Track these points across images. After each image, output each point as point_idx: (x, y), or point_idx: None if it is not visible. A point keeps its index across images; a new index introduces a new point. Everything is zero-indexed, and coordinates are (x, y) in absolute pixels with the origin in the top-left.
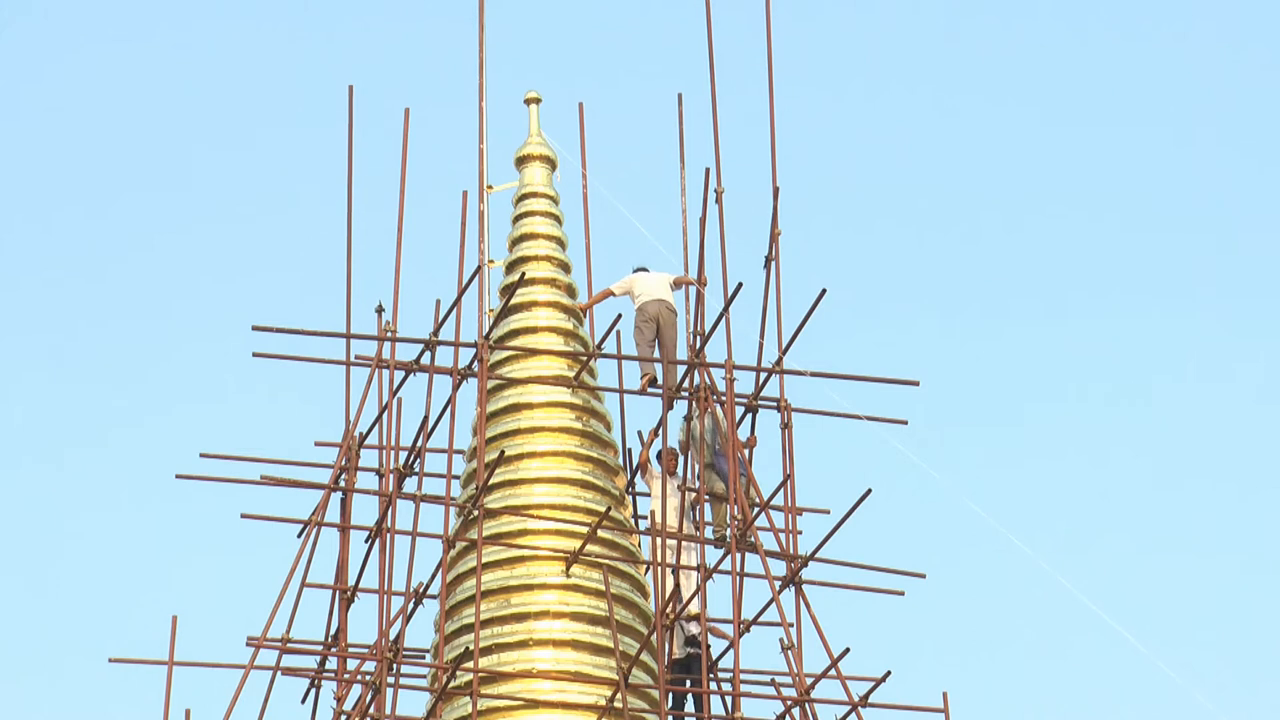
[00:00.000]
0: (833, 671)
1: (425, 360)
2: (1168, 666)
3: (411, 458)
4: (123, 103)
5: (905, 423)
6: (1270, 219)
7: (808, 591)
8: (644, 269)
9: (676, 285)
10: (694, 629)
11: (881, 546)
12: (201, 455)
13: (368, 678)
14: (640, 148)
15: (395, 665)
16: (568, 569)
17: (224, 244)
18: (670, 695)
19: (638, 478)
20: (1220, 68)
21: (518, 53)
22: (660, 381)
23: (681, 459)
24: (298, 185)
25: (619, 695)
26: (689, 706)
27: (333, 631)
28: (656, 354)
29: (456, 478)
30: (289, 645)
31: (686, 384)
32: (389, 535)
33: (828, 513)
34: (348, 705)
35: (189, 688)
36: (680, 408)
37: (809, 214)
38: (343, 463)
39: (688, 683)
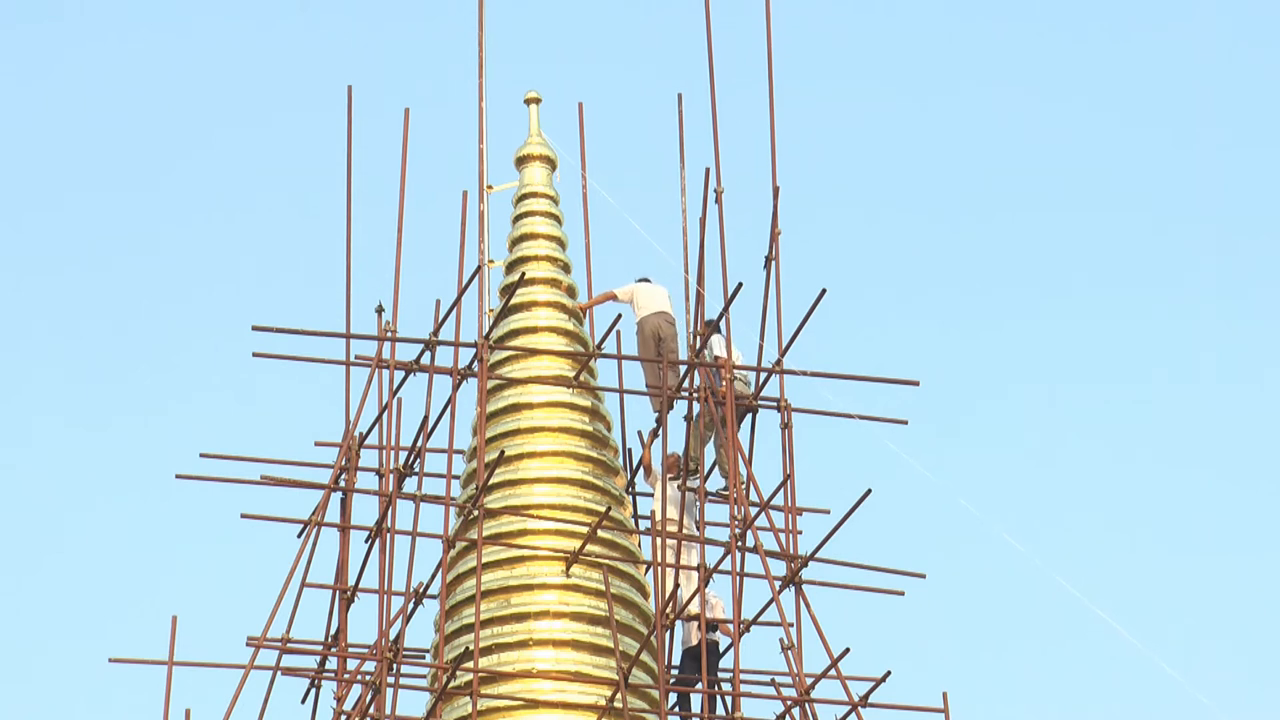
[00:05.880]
0: (833, 671)
1: (425, 360)
2: (1167, 665)
3: (411, 458)
4: (123, 102)
5: (905, 423)
6: (1273, 215)
7: (808, 591)
8: (646, 279)
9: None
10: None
11: (881, 546)
12: (201, 455)
13: (368, 678)
14: (640, 148)
15: (395, 665)
16: (568, 569)
17: (224, 244)
18: (671, 694)
19: (638, 478)
20: (1220, 64)
21: (518, 53)
22: (684, 461)
23: (684, 458)
24: (297, 185)
25: (619, 695)
26: (694, 700)
27: (333, 631)
28: (659, 370)
29: (456, 478)
30: (289, 645)
31: (687, 384)
32: (389, 535)
33: (828, 513)
34: (348, 705)
35: (189, 688)
36: (681, 408)
37: (809, 214)
38: (343, 463)
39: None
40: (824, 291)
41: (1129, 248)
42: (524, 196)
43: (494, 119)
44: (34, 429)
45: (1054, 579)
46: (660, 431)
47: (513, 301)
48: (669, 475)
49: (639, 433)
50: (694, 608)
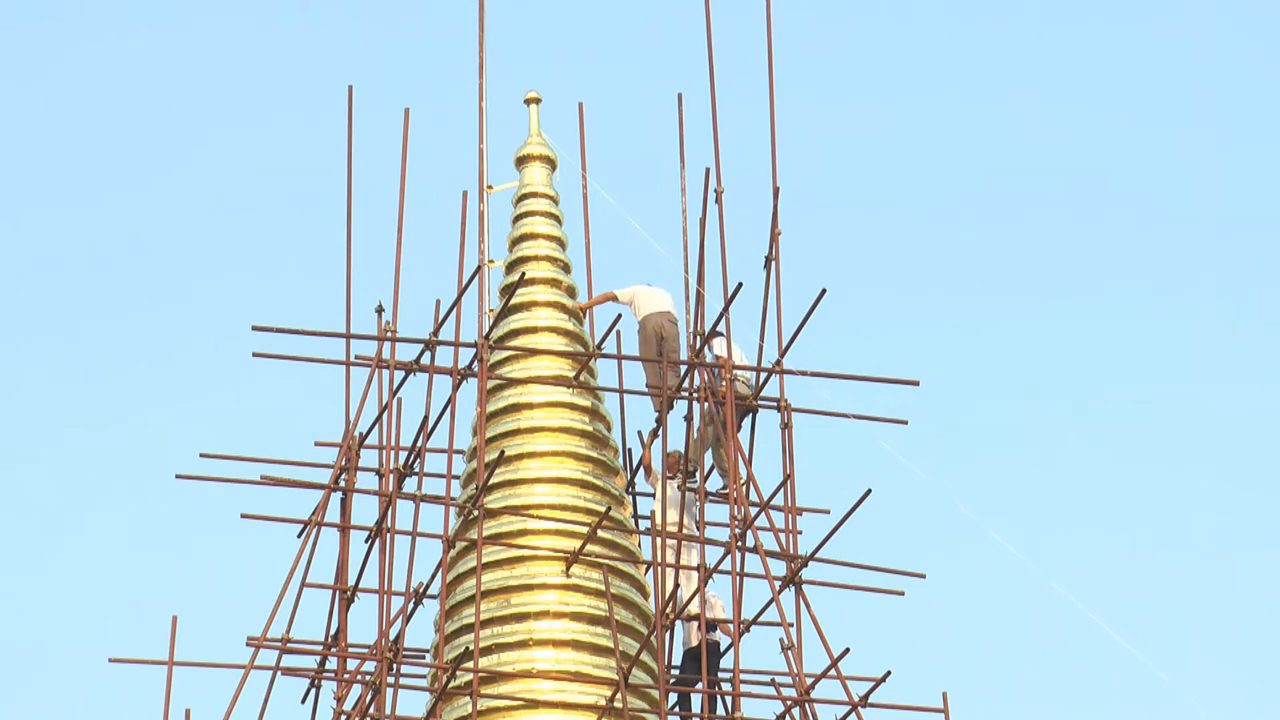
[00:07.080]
0: (833, 671)
1: (425, 360)
2: (1159, 668)
3: (411, 458)
4: (123, 101)
5: (905, 423)
6: (1273, 215)
7: (808, 591)
8: (648, 285)
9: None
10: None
11: (881, 546)
12: (201, 455)
13: (368, 678)
14: (640, 148)
15: (395, 665)
16: (568, 569)
17: (224, 243)
18: (672, 694)
19: (638, 478)
20: (1220, 64)
21: (518, 53)
22: (686, 463)
23: (684, 458)
24: (297, 185)
25: (619, 695)
26: (694, 701)
27: (333, 631)
28: (660, 369)
29: (456, 478)
30: (289, 645)
31: (687, 384)
32: (389, 535)
33: (828, 513)
34: (348, 705)
35: (189, 688)
36: (681, 408)
37: (809, 214)
38: (343, 463)
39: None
40: (824, 291)
41: (1129, 248)
42: (524, 196)
43: (494, 119)
44: (34, 429)
45: (1048, 581)
46: (660, 431)
47: (513, 301)
48: (669, 475)
49: (639, 433)
50: (694, 608)
